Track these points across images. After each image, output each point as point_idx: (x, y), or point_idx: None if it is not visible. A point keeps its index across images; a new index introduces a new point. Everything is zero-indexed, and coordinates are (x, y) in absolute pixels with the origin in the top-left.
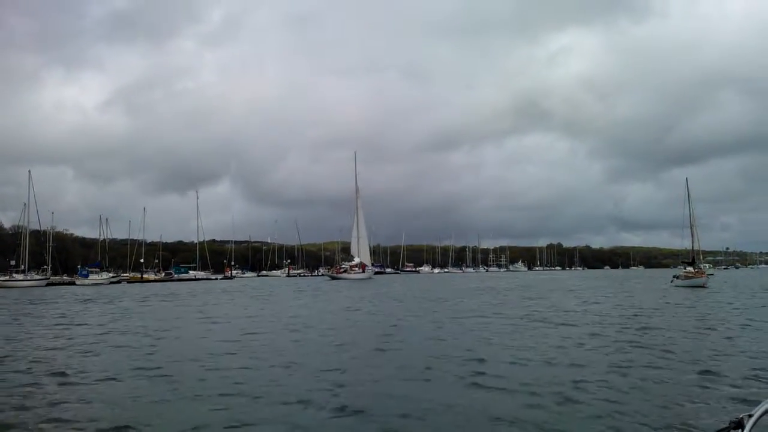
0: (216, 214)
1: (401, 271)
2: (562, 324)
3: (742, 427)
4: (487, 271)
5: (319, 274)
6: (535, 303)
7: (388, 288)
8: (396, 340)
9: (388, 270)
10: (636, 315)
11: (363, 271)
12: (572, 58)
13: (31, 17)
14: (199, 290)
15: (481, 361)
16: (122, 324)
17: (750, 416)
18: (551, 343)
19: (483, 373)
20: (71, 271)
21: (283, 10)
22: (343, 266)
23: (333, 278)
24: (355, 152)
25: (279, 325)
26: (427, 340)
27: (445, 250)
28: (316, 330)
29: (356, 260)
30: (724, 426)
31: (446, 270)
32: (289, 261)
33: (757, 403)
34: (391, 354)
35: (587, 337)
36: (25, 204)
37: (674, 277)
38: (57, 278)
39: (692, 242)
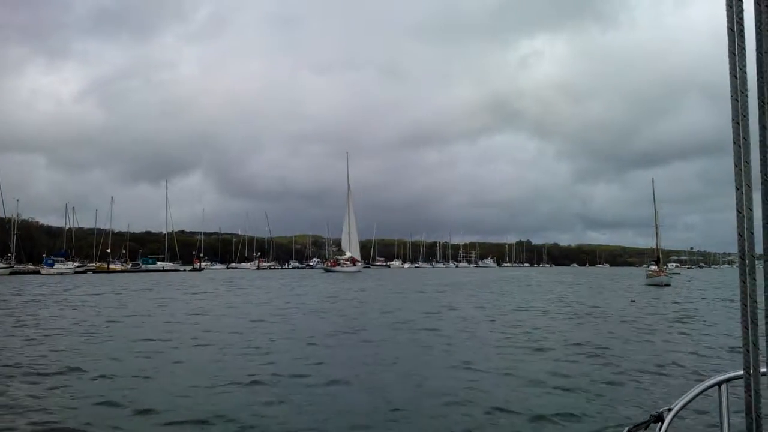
0: (187, 205)
1: (372, 265)
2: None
3: (662, 421)
4: (457, 266)
5: (290, 267)
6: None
7: (383, 281)
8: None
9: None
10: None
11: (354, 265)
12: (543, 62)
13: (18, 9)
14: (192, 280)
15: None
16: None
17: (669, 410)
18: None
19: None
20: (36, 259)
21: (267, 10)
22: (338, 260)
23: (327, 270)
24: (347, 153)
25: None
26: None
27: (415, 245)
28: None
29: (347, 254)
30: (645, 420)
31: (417, 265)
32: (259, 254)
33: (676, 397)
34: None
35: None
36: None
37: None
38: (21, 267)
39: (656, 242)
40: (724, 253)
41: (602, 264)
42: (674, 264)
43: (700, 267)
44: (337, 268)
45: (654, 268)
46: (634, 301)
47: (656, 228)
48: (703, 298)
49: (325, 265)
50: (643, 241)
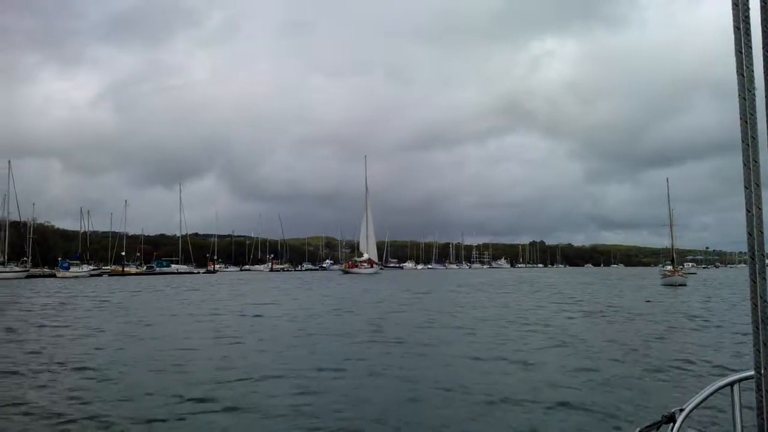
0: (200, 208)
1: (385, 267)
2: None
3: (674, 421)
4: (470, 267)
5: (303, 269)
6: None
7: (403, 282)
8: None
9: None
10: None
11: (371, 266)
12: (553, 62)
13: (31, 17)
14: (218, 283)
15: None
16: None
17: (681, 410)
18: None
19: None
20: (51, 263)
21: (277, 15)
22: (356, 261)
23: (345, 272)
24: (365, 156)
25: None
26: None
27: (428, 247)
28: None
29: (365, 256)
30: (657, 420)
31: (430, 266)
32: (272, 255)
33: (688, 397)
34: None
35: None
36: (5, 195)
37: None
38: (37, 270)
39: (671, 241)
40: (740, 252)
41: (617, 264)
42: (690, 264)
43: (716, 266)
44: (355, 270)
45: (669, 268)
46: (650, 301)
47: (671, 228)
48: (721, 298)
49: (343, 267)
50: (657, 240)
